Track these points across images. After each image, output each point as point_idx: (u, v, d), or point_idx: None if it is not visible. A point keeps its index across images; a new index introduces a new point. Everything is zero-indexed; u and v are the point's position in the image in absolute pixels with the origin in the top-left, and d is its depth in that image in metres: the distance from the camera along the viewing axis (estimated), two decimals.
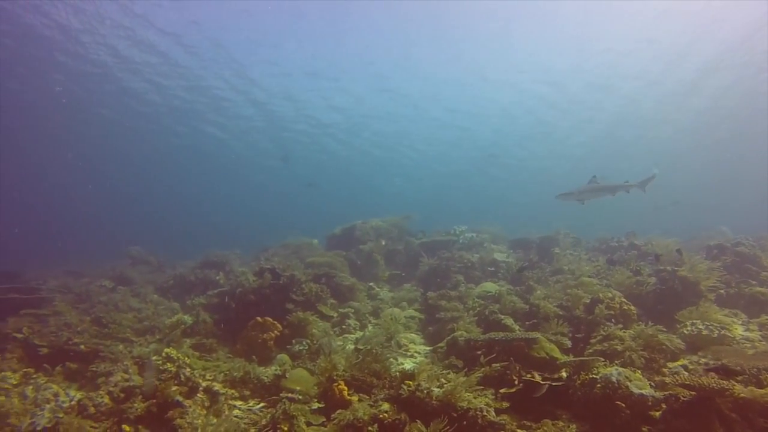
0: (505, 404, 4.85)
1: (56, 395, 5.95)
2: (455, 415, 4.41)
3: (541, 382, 5.17)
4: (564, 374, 5.44)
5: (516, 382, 5.33)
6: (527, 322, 7.38)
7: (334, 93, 30.37)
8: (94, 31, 21.42)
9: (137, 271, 14.94)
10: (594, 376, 4.72)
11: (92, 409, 5.28)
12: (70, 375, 6.94)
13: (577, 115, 32.63)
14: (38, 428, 5.07)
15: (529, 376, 5.30)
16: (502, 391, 5.16)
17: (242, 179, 52.76)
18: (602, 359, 5.39)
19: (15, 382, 6.66)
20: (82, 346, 7.36)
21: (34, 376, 6.93)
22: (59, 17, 20.05)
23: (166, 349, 5.89)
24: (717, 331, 6.34)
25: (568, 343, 6.33)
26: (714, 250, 10.47)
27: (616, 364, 5.41)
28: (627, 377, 4.51)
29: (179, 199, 63.07)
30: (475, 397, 4.66)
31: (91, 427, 5.04)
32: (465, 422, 4.41)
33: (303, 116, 33.91)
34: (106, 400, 5.38)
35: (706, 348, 6.17)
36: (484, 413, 4.47)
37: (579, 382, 4.84)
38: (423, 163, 45.29)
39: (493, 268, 11.90)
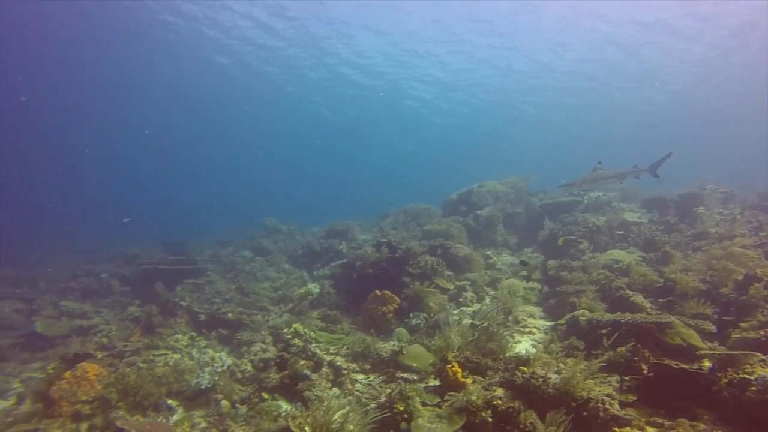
0: (631, 397, 4.49)
1: (213, 359, 7.06)
2: (573, 405, 4.20)
3: (674, 366, 4.66)
4: (706, 364, 4.81)
5: (645, 371, 4.88)
6: (661, 299, 6.61)
7: (449, 57, 29.70)
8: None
9: (272, 240, 16.67)
10: (746, 375, 4.07)
11: (239, 375, 6.18)
12: (222, 340, 8.16)
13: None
14: (201, 387, 6.10)
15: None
16: (627, 378, 4.79)
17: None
18: (759, 355, 4.59)
19: (185, 344, 8.04)
20: (230, 314, 8.56)
21: (197, 339, 8.29)
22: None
23: (294, 325, 6.56)
24: None
25: (713, 328, 5.48)
26: None
27: None
28: None
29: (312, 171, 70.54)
30: (596, 385, 4.38)
31: (240, 390, 5.91)
32: (585, 413, 4.18)
33: (422, 83, 34.21)
34: (249, 367, 6.24)
35: None
36: (606, 405, 4.20)
37: (725, 380, 4.23)
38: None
39: (622, 232, 10.79)
